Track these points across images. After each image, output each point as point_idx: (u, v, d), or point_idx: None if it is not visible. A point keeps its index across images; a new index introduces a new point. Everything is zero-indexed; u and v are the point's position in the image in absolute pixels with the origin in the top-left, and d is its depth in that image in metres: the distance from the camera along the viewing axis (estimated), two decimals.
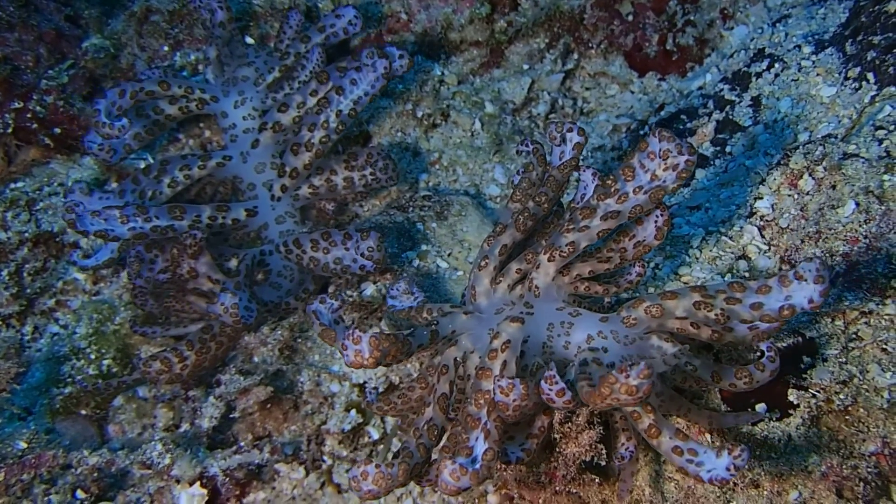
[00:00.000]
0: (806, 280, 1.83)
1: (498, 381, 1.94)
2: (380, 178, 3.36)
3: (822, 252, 2.50)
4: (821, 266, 1.81)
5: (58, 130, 3.69)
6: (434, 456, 2.22)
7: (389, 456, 2.77)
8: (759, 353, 2.10)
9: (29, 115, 3.65)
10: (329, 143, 3.18)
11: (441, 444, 2.25)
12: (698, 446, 1.95)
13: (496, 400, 1.93)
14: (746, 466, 1.96)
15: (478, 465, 1.93)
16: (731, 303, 1.93)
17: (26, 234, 3.60)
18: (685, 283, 2.70)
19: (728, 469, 1.88)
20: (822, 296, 1.82)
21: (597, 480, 2.28)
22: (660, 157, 1.98)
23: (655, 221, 2.19)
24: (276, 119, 3.32)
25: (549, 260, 2.23)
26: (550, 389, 1.89)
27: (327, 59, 3.57)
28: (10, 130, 3.65)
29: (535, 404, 1.95)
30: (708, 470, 1.91)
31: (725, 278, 2.63)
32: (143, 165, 3.63)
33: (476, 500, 2.59)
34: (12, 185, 3.75)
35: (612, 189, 2.07)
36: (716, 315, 1.96)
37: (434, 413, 2.21)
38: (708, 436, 2.30)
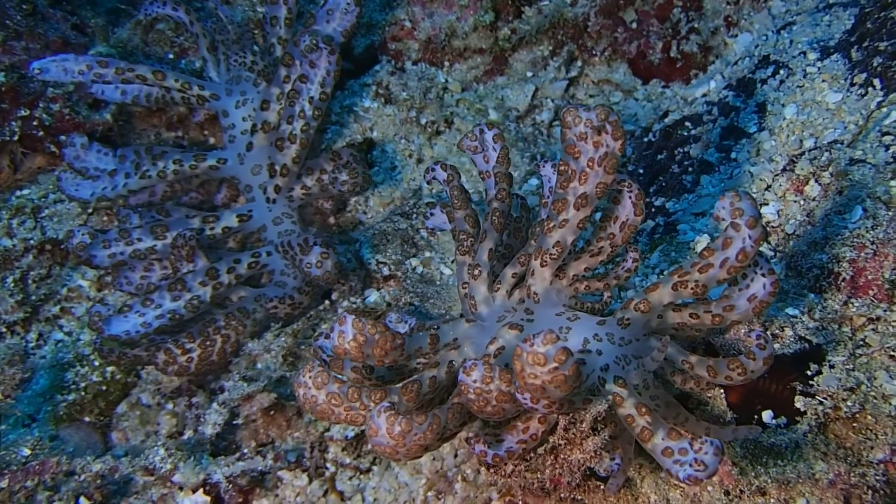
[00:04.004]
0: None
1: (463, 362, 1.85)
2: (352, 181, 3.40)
3: (829, 258, 2.49)
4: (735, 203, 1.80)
5: (64, 138, 3.70)
6: None
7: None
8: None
9: (35, 123, 3.66)
10: (310, 130, 3.16)
11: None
12: (689, 445, 1.86)
13: (459, 380, 1.85)
14: (713, 465, 1.80)
15: (412, 425, 1.79)
16: (705, 270, 1.88)
17: (31, 242, 3.61)
18: None
19: (691, 465, 1.78)
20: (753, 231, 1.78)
21: (602, 487, 2.25)
22: (582, 121, 1.96)
23: (629, 197, 2.19)
24: (262, 119, 3.28)
25: (542, 265, 2.21)
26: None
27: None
28: (16, 138, 3.66)
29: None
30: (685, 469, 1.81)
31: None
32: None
33: None
34: (18, 193, 3.77)
35: (570, 171, 2.06)
36: (692, 288, 1.89)
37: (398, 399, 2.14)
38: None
